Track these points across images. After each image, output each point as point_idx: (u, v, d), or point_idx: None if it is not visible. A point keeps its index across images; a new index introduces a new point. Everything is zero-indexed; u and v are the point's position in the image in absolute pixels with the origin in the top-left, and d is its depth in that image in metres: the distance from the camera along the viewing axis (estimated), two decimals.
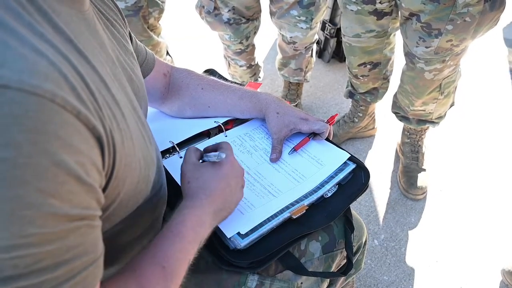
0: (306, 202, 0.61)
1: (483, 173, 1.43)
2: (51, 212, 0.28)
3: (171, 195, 0.60)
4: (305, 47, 1.42)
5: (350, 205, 0.66)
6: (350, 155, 0.68)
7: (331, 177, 0.65)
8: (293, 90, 1.63)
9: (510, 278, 1.09)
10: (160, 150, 0.66)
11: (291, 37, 1.36)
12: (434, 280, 1.15)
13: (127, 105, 0.41)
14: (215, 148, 0.55)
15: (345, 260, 0.67)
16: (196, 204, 0.47)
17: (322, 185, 0.64)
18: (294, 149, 0.69)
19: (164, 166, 0.64)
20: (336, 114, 0.79)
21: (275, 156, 0.67)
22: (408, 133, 1.41)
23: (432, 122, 1.29)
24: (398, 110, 1.33)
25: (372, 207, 1.33)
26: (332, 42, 1.84)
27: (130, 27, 0.62)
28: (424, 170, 1.38)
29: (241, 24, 1.33)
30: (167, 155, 0.67)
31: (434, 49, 1.03)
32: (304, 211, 0.59)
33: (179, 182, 0.61)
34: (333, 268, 0.65)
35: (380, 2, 1.08)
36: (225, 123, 0.73)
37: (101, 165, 0.33)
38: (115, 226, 0.42)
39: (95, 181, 0.31)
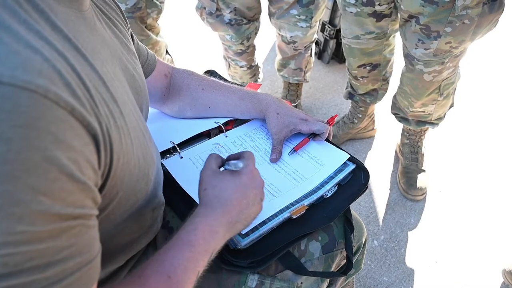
0: (306, 202, 0.61)
1: (482, 173, 1.43)
2: (41, 210, 0.27)
3: (171, 195, 0.61)
4: (305, 47, 1.43)
5: (350, 206, 0.66)
6: (350, 156, 0.68)
7: (331, 178, 0.65)
8: (292, 91, 1.64)
9: (511, 278, 1.09)
10: (161, 151, 0.66)
11: (291, 37, 1.37)
12: (434, 281, 1.15)
13: (126, 104, 0.41)
14: (237, 156, 0.53)
15: (345, 260, 0.67)
16: (209, 213, 0.46)
17: (322, 185, 0.64)
18: (294, 150, 0.69)
19: (164, 166, 0.64)
20: (336, 115, 0.79)
21: (275, 157, 0.68)
22: (408, 134, 1.42)
23: (431, 123, 1.30)
24: (398, 111, 1.33)
25: (372, 208, 1.34)
26: (332, 43, 1.85)
27: None
28: (424, 171, 1.38)
29: (242, 25, 1.33)
30: (168, 155, 0.67)
31: (433, 51, 1.03)
32: (304, 211, 0.59)
33: (179, 183, 0.62)
34: (333, 268, 0.66)
35: (379, 4, 1.09)
36: (225, 124, 0.74)
37: (97, 163, 0.32)
38: (113, 226, 0.42)
39: (90, 179, 0.31)
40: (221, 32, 1.38)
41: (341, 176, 0.66)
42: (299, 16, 1.29)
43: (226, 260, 0.54)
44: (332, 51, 1.88)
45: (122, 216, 0.42)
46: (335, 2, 1.70)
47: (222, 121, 0.73)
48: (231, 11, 1.28)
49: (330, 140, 0.72)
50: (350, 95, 1.46)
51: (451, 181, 1.41)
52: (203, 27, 1.45)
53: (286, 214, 0.59)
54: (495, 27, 1.01)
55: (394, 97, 1.33)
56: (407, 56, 1.13)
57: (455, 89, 1.23)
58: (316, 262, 0.63)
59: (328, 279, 0.69)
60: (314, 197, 0.62)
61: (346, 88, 1.47)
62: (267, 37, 2.01)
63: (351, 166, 0.67)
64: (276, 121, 0.68)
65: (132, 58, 0.52)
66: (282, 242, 0.56)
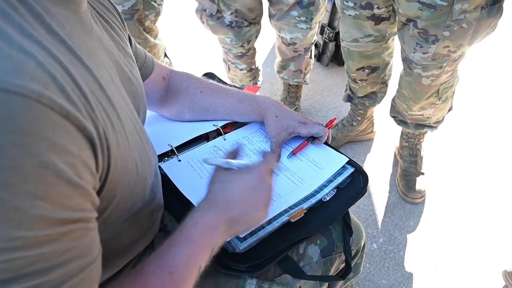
0: (305, 205, 0.61)
1: (481, 176, 1.43)
2: (40, 214, 0.27)
3: (169, 198, 0.60)
4: (305, 48, 1.43)
5: (349, 209, 0.66)
6: (348, 159, 0.68)
7: (330, 181, 0.65)
8: (292, 93, 1.64)
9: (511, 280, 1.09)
10: (159, 154, 0.66)
11: (291, 38, 1.37)
12: (433, 284, 1.14)
13: (123, 107, 0.40)
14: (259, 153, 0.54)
15: (343, 264, 0.66)
16: (211, 208, 0.45)
17: (320, 188, 0.64)
18: (293, 153, 0.69)
19: (162, 169, 0.64)
20: (335, 118, 0.79)
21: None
22: (407, 137, 1.42)
23: (430, 127, 1.30)
24: (397, 114, 1.34)
25: (371, 211, 1.33)
26: (331, 46, 1.85)
27: None
28: (423, 173, 1.38)
29: (243, 27, 1.33)
30: (166, 158, 0.67)
31: (431, 55, 1.03)
32: (303, 214, 0.59)
33: (177, 185, 0.61)
34: (332, 272, 0.65)
35: (377, 8, 1.09)
36: (224, 127, 0.74)
37: (95, 166, 0.32)
38: (111, 229, 0.41)
39: (88, 183, 0.31)
40: (221, 35, 1.38)
41: (340, 179, 0.66)
42: (299, 17, 1.29)
43: (224, 264, 0.54)
44: (331, 54, 1.89)
45: (120, 219, 0.42)
46: (334, 5, 1.71)
47: (220, 124, 0.73)
48: (231, 13, 1.28)
49: (329, 143, 0.72)
50: (349, 98, 1.46)
51: (450, 184, 1.41)
52: (202, 30, 1.45)
53: (284, 218, 0.59)
54: (493, 31, 1.01)
55: (393, 100, 1.33)
56: (405, 60, 1.14)
57: (453, 92, 1.23)
58: (315, 265, 0.62)
59: (327, 283, 0.69)
60: (312, 201, 0.62)
61: (345, 91, 1.47)
62: (267, 39, 2.01)
63: (350, 170, 0.67)
64: (275, 124, 0.68)
65: (129, 61, 0.51)
66: (280, 246, 0.56)
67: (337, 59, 1.91)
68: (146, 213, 0.48)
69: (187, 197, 0.59)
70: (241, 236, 0.55)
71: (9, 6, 0.30)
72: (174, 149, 0.68)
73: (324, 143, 0.71)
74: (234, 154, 0.55)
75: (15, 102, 0.26)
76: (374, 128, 1.57)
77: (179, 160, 0.67)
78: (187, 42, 2.10)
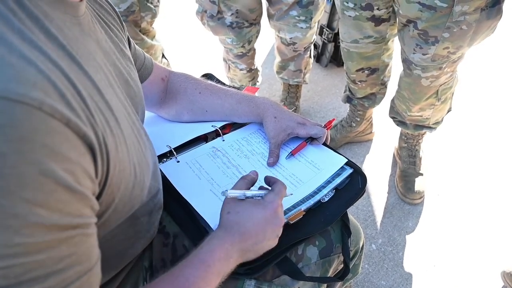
0: (303, 207, 0.61)
1: (480, 177, 1.43)
2: (39, 221, 0.27)
3: (168, 199, 0.60)
4: (304, 48, 1.43)
5: (348, 210, 0.66)
6: (347, 160, 0.68)
7: (328, 182, 0.65)
8: (292, 93, 1.64)
9: (511, 280, 1.09)
10: (157, 155, 0.66)
11: (290, 38, 1.37)
12: (432, 285, 1.14)
13: (121, 111, 0.41)
14: (269, 181, 0.54)
15: (342, 265, 0.66)
16: (227, 238, 0.47)
17: (319, 189, 0.64)
18: (292, 154, 0.69)
19: (161, 171, 0.64)
20: (334, 119, 0.79)
21: (273, 161, 0.67)
22: (406, 138, 1.42)
23: (429, 128, 1.30)
24: (396, 115, 1.34)
25: (370, 212, 1.33)
26: (330, 46, 1.85)
27: None
28: (422, 174, 1.38)
29: (243, 28, 1.33)
30: (164, 159, 0.67)
31: (431, 56, 1.03)
32: (301, 216, 0.59)
33: (176, 187, 0.61)
34: (330, 273, 0.65)
35: (378, 9, 1.09)
36: (222, 128, 0.74)
37: (94, 172, 0.32)
38: (110, 231, 0.42)
39: (87, 189, 0.31)
40: (222, 36, 1.38)
41: (338, 180, 0.66)
42: (299, 17, 1.29)
43: None
44: (330, 55, 1.89)
45: (118, 221, 0.42)
46: (333, 6, 1.71)
47: (219, 124, 0.73)
48: (232, 14, 1.28)
49: (328, 144, 0.72)
50: (348, 99, 1.46)
51: (449, 184, 1.41)
52: (200, 31, 1.45)
53: None
54: (493, 33, 1.01)
55: (392, 101, 1.33)
56: (405, 61, 1.14)
57: (453, 93, 1.24)
58: (314, 267, 0.62)
59: (326, 284, 0.68)
60: (311, 202, 0.62)
61: (344, 92, 1.47)
62: (266, 40, 2.01)
63: (349, 171, 0.67)
64: (274, 125, 0.68)
65: (127, 63, 0.51)
66: (279, 248, 0.56)
67: (336, 60, 1.91)
68: (144, 214, 0.48)
69: (186, 199, 0.59)
70: None
71: (9, 11, 0.30)
72: (173, 150, 0.67)
73: (322, 144, 0.71)
74: (251, 182, 0.55)
75: (16, 110, 0.26)
76: (373, 129, 1.57)
77: (178, 161, 0.67)
78: (185, 43, 2.10)
